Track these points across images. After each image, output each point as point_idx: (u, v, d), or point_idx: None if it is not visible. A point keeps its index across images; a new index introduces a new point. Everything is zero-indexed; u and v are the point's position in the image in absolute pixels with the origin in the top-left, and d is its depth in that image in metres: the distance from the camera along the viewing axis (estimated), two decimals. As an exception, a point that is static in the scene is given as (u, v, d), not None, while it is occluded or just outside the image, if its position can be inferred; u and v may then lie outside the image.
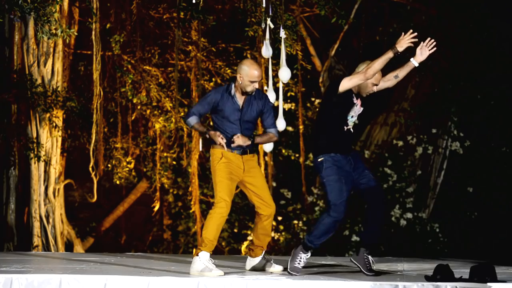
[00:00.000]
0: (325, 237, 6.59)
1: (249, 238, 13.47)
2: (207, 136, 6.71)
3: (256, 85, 6.66)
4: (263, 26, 8.27)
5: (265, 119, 6.83)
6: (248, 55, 12.16)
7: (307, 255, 6.61)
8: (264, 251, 6.90)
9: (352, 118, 6.66)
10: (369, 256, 6.58)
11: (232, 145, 6.68)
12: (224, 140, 6.64)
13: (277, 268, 6.84)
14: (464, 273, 6.14)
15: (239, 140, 6.65)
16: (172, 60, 12.38)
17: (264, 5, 8.29)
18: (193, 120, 6.75)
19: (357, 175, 6.61)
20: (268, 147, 8.31)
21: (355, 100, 6.64)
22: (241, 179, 6.80)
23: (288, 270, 6.56)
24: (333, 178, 6.53)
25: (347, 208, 6.58)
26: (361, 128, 6.28)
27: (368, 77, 6.54)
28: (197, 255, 6.54)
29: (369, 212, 6.64)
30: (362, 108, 6.70)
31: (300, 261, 6.58)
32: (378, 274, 6.47)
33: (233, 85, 6.72)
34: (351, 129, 6.67)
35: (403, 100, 12.31)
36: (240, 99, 6.73)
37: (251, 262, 6.91)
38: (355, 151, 6.74)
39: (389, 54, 6.58)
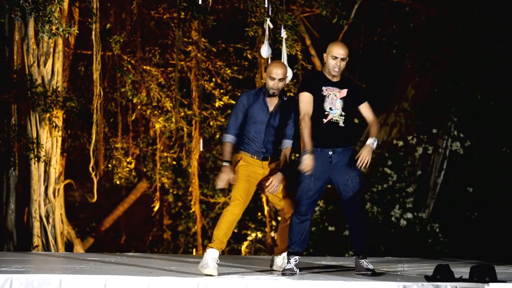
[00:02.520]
0: (298, 239, 6.56)
1: (249, 238, 13.48)
2: (224, 164, 6.60)
3: (276, 84, 6.54)
4: (265, 26, 8.26)
5: (288, 126, 6.70)
6: (248, 55, 12.16)
7: (295, 258, 6.59)
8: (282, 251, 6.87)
9: (332, 110, 6.50)
10: (363, 260, 6.57)
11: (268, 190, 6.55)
12: (225, 184, 6.57)
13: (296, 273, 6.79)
14: (464, 273, 6.14)
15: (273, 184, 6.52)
16: (172, 60, 12.38)
17: (266, 5, 8.29)
18: (229, 138, 6.67)
19: (338, 174, 6.51)
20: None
21: (324, 92, 6.50)
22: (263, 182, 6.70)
23: (281, 272, 6.57)
24: (304, 189, 6.51)
25: (312, 209, 6.55)
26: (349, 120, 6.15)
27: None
28: (205, 251, 6.53)
29: (349, 220, 6.64)
30: (340, 100, 6.51)
31: (289, 264, 6.57)
32: (375, 274, 6.47)
33: (264, 89, 6.67)
34: (338, 122, 6.51)
35: (403, 100, 12.31)
36: (270, 103, 6.67)
37: (274, 261, 6.91)
38: (348, 149, 6.55)
39: (306, 146, 6.40)
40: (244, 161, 6.68)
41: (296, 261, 6.59)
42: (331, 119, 6.49)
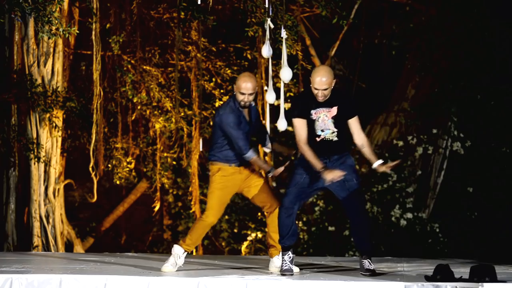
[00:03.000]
0: (287, 233, 6.62)
1: (249, 238, 13.48)
2: (270, 173, 6.76)
3: (247, 98, 6.65)
4: (265, 26, 8.26)
5: (263, 131, 6.95)
6: (248, 55, 12.16)
7: (289, 255, 6.62)
8: (280, 251, 6.88)
9: (324, 132, 6.55)
10: (366, 260, 6.58)
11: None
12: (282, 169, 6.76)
13: (294, 269, 6.80)
14: (464, 273, 6.14)
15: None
16: (172, 60, 12.38)
17: (266, 5, 8.29)
18: (252, 154, 6.75)
19: (334, 184, 6.52)
20: (268, 147, 8.31)
21: (313, 116, 6.53)
22: (241, 188, 6.92)
23: (280, 273, 6.58)
24: (293, 181, 6.60)
25: (296, 204, 6.62)
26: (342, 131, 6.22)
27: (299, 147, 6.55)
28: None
29: (352, 224, 6.70)
30: (331, 119, 6.54)
31: (285, 262, 6.59)
32: (374, 274, 6.47)
33: (237, 103, 6.77)
34: (332, 139, 6.56)
35: (403, 100, 12.31)
36: (245, 113, 6.80)
37: (270, 263, 6.93)
38: (344, 155, 6.59)
39: (317, 167, 6.44)
40: (223, 171, 6.87)
41: (290, 258, 6.61)
42: (323, 138, 6.57)
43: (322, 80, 6.39)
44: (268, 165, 6.84)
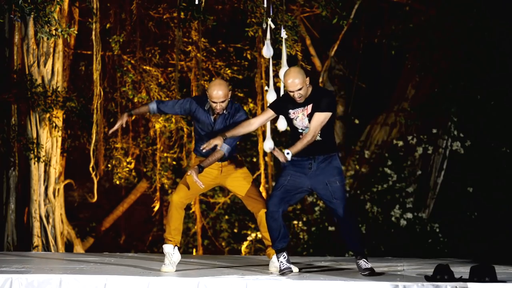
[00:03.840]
0: (277, 236, 6.60)
1: (249, 238, 13.48)
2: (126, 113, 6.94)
3: (218, 106, 6.69)
4: (264, 26, 8.26)
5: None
6: (248, 55, 12.16)
7: (284, 256, 6.61)
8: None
9: (304, 130, 6.55)
10: (361, 260, 6.59)
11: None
12: (117, 126, 6.91)
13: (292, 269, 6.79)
14: (464, 273, 6.14)
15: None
16: (172, 60, 12.38)
17: (265, 5, 8.29)
18: (152, 105, 6.96)
19: (317, 180, 6.54)
20: (268, 147, 8.31)
21: (292, 115, 6.58)
22: (222, 184, 6.95)
23: (280, 273, 6.58)
24: (277, 184, 6.63)
25: (280, 206, 6.57)
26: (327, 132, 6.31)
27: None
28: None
29: (340, 227, 6.69)
30: (307, 117, 6.55)
31: (282, 263, 6.59)
32: (373, 273, 6.47)
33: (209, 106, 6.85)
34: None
35: (403, 100, 12.32)
36: (212, 115, 6.83)
37: (270, 263, 6.93)
38: (329, 156, 6.57)
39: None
40: (193, 160, 7.01)
41: (285, 257, 6.60)
42: None
43: (294, 82, 6.43)
44: (136, 111, 6.99)
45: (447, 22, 11.27)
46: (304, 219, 12.87)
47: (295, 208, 13.35)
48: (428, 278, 5.98)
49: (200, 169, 6.68)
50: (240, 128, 6.65)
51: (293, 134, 6.64)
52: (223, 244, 13.84)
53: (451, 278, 5.90)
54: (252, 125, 6.68)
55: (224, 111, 6.79)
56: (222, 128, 6.79)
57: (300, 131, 6.58)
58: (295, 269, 6.73)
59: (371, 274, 6.46)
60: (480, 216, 11.64)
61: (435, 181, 11.92)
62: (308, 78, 6.51)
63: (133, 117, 6.67)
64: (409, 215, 11.55)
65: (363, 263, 6.55)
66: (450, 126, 11.87)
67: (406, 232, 11.53)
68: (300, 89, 6.45)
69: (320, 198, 6.67)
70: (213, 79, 7.08)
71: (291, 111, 6.58)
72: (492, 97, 11.40)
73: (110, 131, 7.06)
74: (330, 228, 12.14)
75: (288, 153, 6.37)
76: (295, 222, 13.02)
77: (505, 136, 11.46)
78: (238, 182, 6.93)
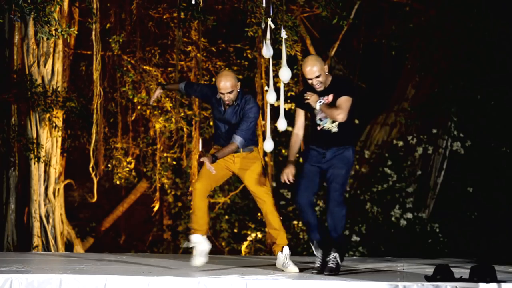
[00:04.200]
0: (308, 230, 6.80)
1: (249, 238, 13.47)
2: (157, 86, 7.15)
3: (226, 97, 6.80)
4: (262, 26, 8.26)
5: (239, 123, 6.91)
6: (248, 55, 12.16)
7: (317, 253, 6.75)
8: (283, 247, 6.93)
9: (322, 121, 6.70)
10: (332, 256, 6.65)
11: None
12: (153, 98, 7.18)
13: (290, 268, 6.86)
14: (464, 273, 6.14)
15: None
16: (172, 60, 12.38)
17: (264, 5, 8.28)
18: (181, 83, 7.19)
19: (328, 166, 6.71)
20: (268, 147, 8.31)
21: (312, 106, 6.73)
22: (236, 174, 7.06)
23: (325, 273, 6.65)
24: (300, 174, 6.81)
25: (304, 190, 6.73)
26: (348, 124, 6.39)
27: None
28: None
29: (327, 210, 6.77)
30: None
31: (315, 260, 6.77)
32: (335, 273, 6.52)
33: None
34: (330, 129, 6.69)
35: (403, 100, 12.31)
36: (224, 105, 6.95)
37: (277, 259, 6.99)
38: (343, 147, 6.69)
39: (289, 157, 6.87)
40: (213, 150, 7.09)
41: (318, 254, 6.72)
42: (323, 128, 6.72)
43: (312, 69, 6.56)
44: (169, 87, 7.33)
45: (447, 22, 11.27)
46: (304, 219, 12.86)
47: (295, 208, 13.35)
48: (428, 278, 5.98)
49: (214, 158, 6.75)
50: (295, 145, 6.87)
51: (312, 125, 6.80)
52: (223, 244, 13.83)
53: (451, 278, 5.90)
54: (300, 135, 6.91)
55: (234, 102, 6.87)
56: (233, 119, 6.90)
57: (318, 122, 6.72)
58: (295, 269, 6.74)
59: (332, 274, 6.48)
60: (480, 216, 11.64)
61: (435, 181, 11.91)
62: (326, 66, 6.63)
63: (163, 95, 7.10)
64: (409, 215, 11.55)
65: (333, 257, 6.59)
66: (450, 126, 11.87)
67: (406, 232, 11.52)
68: (318, 76, 6.56)
69: (325, 180, 6.75)
70: (221, 70, 7.29)
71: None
72: (492, 97, 11.40)
73: (151, 101, 7.28)
74: (330, 228, 12.12)
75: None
76: (295, 222, 13.02)
77: (505, 136, 11.46)
78: (249, 176, 7.01)
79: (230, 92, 6.78)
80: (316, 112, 6.70)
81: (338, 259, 6.64)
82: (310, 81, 6.60)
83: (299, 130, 6.89)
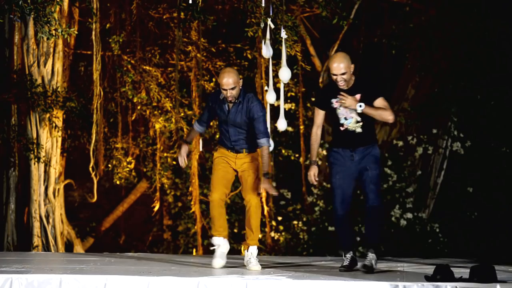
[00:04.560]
0: (339, 233, 6.89)
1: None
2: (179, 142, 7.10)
3: (229, 93, 6.86)
4: (262, 25, 8.26)
5: (254, 126, 6.97)
6: (248, 55, 12.16)
7: (346, 254, 6.85)
8: (249, 247, 7.25)
9: (347, 120, 6.69)
10: (370, 255, 6.75)
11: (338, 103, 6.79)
12: (182, 159, 7.11)
13: (252, 266, 7.09)
14: (464, 273, 6.14)
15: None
16: (172, 60, 12.38)
17: (263, 5, 8.29)
18: (194, 125, 7.27)
19: (359, 167, 6.74)
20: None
21: (335, 104, 6.71)
22: (238, 173, 7.17)
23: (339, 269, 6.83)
24: (330, 177, 6.85)
25: (344, 208, 6.80)
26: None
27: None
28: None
29: (366, 211, 6.85)
30: (353, 109, 6.67)
31: (347, 259, 6.85)
32: (369, 271, 6.54)
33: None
34: (355, 130, 6.71)
35: (403, 100, 12.31)
36: (228, 105, 7.00)
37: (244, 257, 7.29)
38: (370, 146, 6.74)
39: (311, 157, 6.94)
40: (219, 152, 7.19)
41: (351, 255, 6.84)
42: (347, 128, 6.73)
43: (339, 66, 6.60)
44: (190, 138, 7.29)
45: (447, 22, 11.27)
46: (304, 219, 12.86)
47: (295, 209, 13.35)
48: (428, 278, 5.97)
49: (267, 175, 6.94)
50: (316, 145, 6.85)
51: (334, 125, 6.79)
52: (223, 244, 13.81)
53: (451, 278, 5.90)
54: (319, 134, 6.90)
55: (237, 100, 6.93)
56: (238, 118, 6.96)
57: (342, 121, 6.71)
58: (256, 268, 7.00)
59: (367, 272, 6.51)
60: (480, 216, 11.64)
61: (435, 181, 11.91)
62: (353, 66, 6.67)
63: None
64: (409, 215, 11.55)
65: (369, 258, 6.70)
66: (450, 126, 11.87)
67: (406, 232, 11.52)
68: (344, 74, 6.60)
69: (360, 183, 6.83)
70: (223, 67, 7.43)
71: (333, 100, 6.71)
72: (492, 97, 11.39)
73: (182, 163, 7.17)
74: (330, 228, 12.13)
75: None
76: (295, 222, 13.02)
77: (505, 136, 11.46)
78: (245, 175, 7.10)
79: (232, 89, 6.84)
80: (338, 112, 6.70)
81: (375, 260, 6.74)
82: (334, 77, 6.61)
83: (318, 129, 6.89)
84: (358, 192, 12.21)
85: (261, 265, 7.20)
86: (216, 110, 7.05)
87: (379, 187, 6.75)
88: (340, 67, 6.57)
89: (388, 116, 6.61)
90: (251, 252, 7.19)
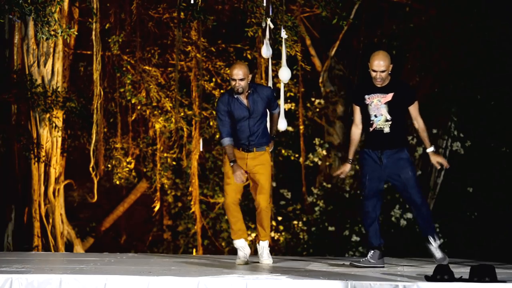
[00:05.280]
0: (373, 234, 7.03)
1: (249, 238, 13.47)
2: (231, 165, 7.11)
3: (237, 83, 7.00)
4: (263, 25, 8.26)
5: (271, 104, 7.24)
6: (248, 55, 12.16)
7: (372, 252, 7.04)
8: (260, 241, 7.52)
9: (377, 118, 6.82)
10: (437, 249, 7.21)
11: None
12: (242, 178, 7.10)
13: (264, 260, 7.47)
14: (464, 273, 6.14)
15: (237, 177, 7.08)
16: (172, 60, 12.38)
17: (264, 5, 8.29)
18: (226, 141, 7.15)
19: (389, 173, 6.90)
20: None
21: (367, 100, 6.84)
22: (249, 174, 7.27)
23: (350, 263, 7.07)
24: (360, 176, 7.04)
25: (374, 208, 6.95)
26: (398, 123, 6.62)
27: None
28: None
29: (414, 214, 7.21)
30: (385, 105, 6.81)
31: (370, 256, 7.03)
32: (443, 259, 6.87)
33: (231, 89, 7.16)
34: (383, 129, 6.83)
35: (403, 100, 12.29)
36: (244, 99, 7.10)
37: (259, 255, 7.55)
38: (398, 150, 6.90)
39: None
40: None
41: (372, 253, 7.01)
42: (376, 127, 6.85)
43: (380, 63, 6.73)
44: (233, 155, 7.10)
45: (447, 22, 11.27)
46: (304, 219, 12.86)
47: (295, 208, 13.35)
48: (428, 278, 5.97)
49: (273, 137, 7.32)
50: (355, 142, 7.00)
51: (365, 125, 6.91)
52: (223, 244, 13.84)
53: (451, 278, 5.90)
54: (356, 133, 7.02)
55: (249, 90, 7.08)
56: (257, 105, 7.09)
57: (373, 118, 6.83)
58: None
59: (445, 261, 6.79)
60: (480, 216, 11.63)
61: (435, 181, 11.91)
62: (391, 66, 6.79)
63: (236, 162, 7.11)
64: (409, 215, 11.55)
65: (439, 253, 7.17)
66: (450, 126, 11.86)
67: (406, 232, 11.52)
68: (383, 72, 6.74)
69: (396, 189, 7.07)
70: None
71: (366, 96, 6.84)
72: (492, 97, 11.40)
73: (239, 180, 7.15)
74: (330, 228, 12.14)
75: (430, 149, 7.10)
76: (295, 222, 13.02)
77: (505, 136, 11.46)
78: (257, 175, 7.21)
79: (241, 80, 6.99)
80: (370, 108, 6.83)
81: (440, 247, 7.16)
82: (374, 74, 6.76)
83: (356, 127, 7.02)
84: (358, 192, 12.22)
85: (261, 265, 7.21)
86: (234, 111, 7.10)
87: (417, 188, 6.93)
88: (381, 64, 6.73)
89: (423, 125, 7.04)
90: (263, 246, 7.46)
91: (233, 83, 7.02)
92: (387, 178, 6.94)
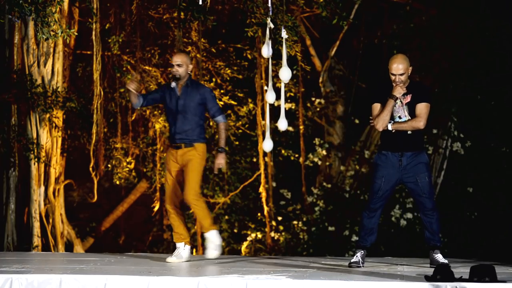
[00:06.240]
0: (365, 233, 7.11)
1: (249, 238, 13.48)
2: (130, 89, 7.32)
3: (174, 68, 7.27)
4: (269, 26, 8.26)
5: (208, 107, 7.38)
6: (248, 55, 12.16)
7: (361, 252, 7.12)
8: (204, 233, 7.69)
9: (401, 119, 6.87)
10: (437, 255, 7.11)
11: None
12: (133, 86, 7.27)
13: (209, 252, 7.55)
14: (464, 273, 6.14)
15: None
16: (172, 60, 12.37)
17: (269, 5, 8.28)
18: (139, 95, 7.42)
19: (407, 176, 6.92)
20: (268, 147, 8.33)
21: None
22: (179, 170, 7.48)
23: (348, 265, 7.08)
24: (375, 187, 6.99)
25: (381, 205, 7.00)
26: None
27: (378, 128, 6.91)
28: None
29: (422, 220, 7.18)
30: (405, 106, 6.86)
31: (356, 257, 7.08)
32: (446, 269, 6.61)
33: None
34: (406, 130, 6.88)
35: (403, 100, 12.29)
36: (178, 90, 7.35)
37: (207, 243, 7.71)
38: (417, 152, 6.91)
39: (391, 102, 6.88)
40: (168, 153, 7.58)
41: (362, 254, 7.09)
42: (398, 129, 6.88)
43: (398, 67, 6.81)
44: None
45: (448, 22, 11.28)
46: (304, 219, 12.86)
47: (295, 209, 13.35)
48: (428, 278, 5.97)
49: (221, 149, 7.43)
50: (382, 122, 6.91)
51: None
52: (223, 244, 13.83)
53: (451, 278, 5.90)
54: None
55: (183, 82, 7.27)
56: (188, 99, 7.29)
57: (397, 120, 6.88)
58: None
59: (447, 268, 6.71)
60: (480, 216, 11.64)
61: (435, 181, 11.91)
62: (411, 68, 6.86)
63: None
64: (409, 215, 11.55)
65: (440, 257, 7.06)
66: (450, 126, 11.87)
67: (406, 232, 11.52)
68: (402, 74, 6.82)
69: (409, 192, 7.06)
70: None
71: (389, 98, 6.87)
72: (492, 97, 11.40)
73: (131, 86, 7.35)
74: (330, 228, 12.14)
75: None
76: (295, 222, 13.02)
77: (505, 136, 11.46)
78: (185, 171, 7.42)
79: (178, 65, 7.25)
80: (394, 109, 6.86)
81: (443, 254, 7.09)
82: (393, 77, 6.82)
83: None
84: (358, 192, 12.22)
85: (261, 265, 7.20)
86: (166, 98, 7.33)
87: (431, 193, 6.96)
88: (399, 67, 6.80)
89: (417, 123, 6.85)
90: (206, 238, 7.63)
91: (170, 69, 7.36)
92: (403, 181, 6.97)
